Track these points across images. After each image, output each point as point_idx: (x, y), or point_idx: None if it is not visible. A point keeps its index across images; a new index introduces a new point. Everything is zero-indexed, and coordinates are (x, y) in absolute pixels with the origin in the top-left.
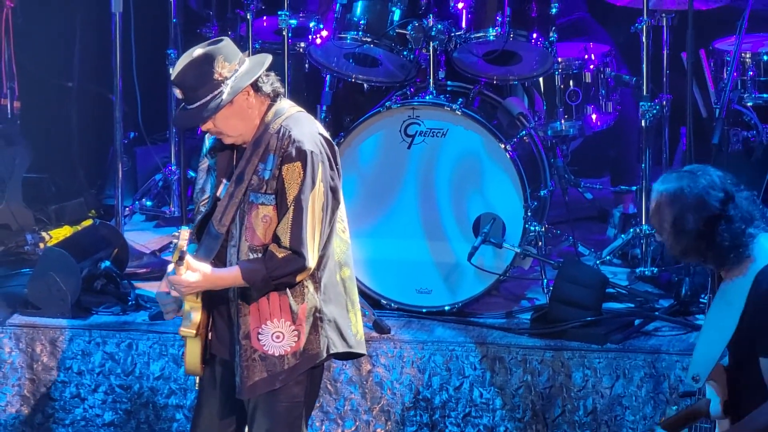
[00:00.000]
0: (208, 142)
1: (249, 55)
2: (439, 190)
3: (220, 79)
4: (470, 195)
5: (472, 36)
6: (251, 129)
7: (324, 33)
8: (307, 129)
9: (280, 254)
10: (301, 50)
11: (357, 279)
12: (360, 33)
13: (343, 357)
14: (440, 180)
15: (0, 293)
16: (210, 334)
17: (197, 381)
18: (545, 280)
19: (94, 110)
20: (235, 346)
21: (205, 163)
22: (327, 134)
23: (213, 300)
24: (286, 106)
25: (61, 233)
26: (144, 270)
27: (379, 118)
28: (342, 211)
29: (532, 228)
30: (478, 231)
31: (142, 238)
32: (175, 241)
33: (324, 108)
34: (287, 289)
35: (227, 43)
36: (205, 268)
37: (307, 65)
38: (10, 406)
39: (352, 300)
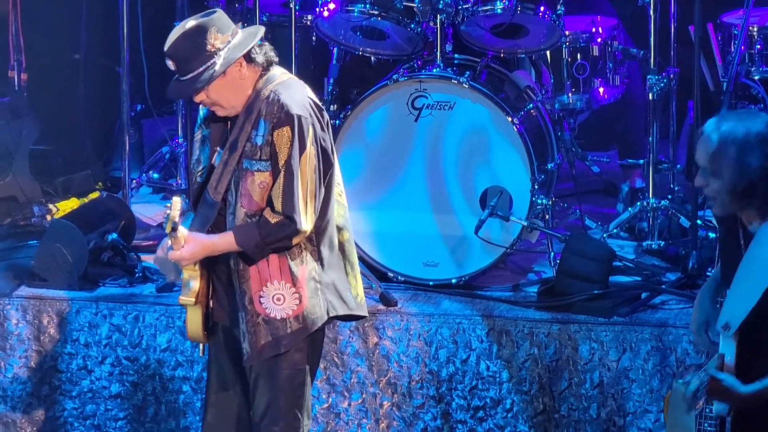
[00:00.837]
0: (201, 112)
1: (244, 27)
2: (446, 163)
3: (212, 50)
4: (477, 168)
5: (480, 9)
6: (244, 100)
7: (331, 6)
8: (296, 94)
9: (273, 219)
10: (308, 23)
11: (364, 252)
12: (367, 6)
13: (344, 319)
14: (447, 153)
15: (7, 265)
16: (211, 302)
17: (201, 348)
18: (552, 254)
19: (101, 82)
20: (240, 313)
21: (199, 134)
22: (316, 98)
23: (212, 268)
24: (278, 72)
25: (68, 205)
26: (151, 242)
27: (386, 91)
28: (338, 175)
29: (539, 201)
30: (485, 204)
31: (149, 211)
32: (168, 211)
33: (331, 81)
34: (286, 252)
35: (220, 15)
36: (199, 236)
37: (314, 38)
38: (17, 377)
39: (351, 263)
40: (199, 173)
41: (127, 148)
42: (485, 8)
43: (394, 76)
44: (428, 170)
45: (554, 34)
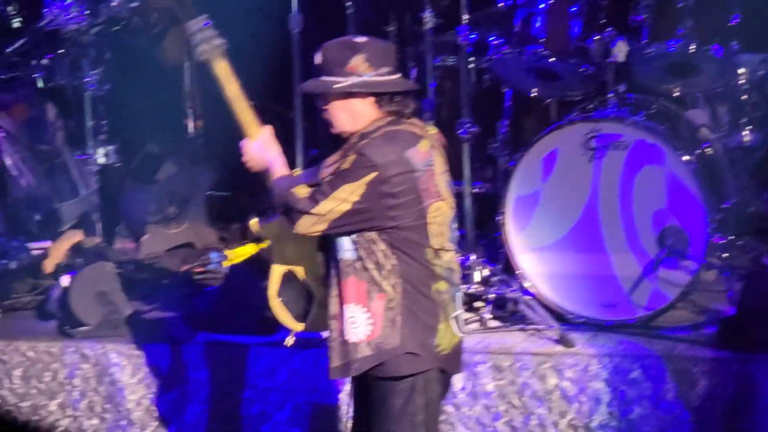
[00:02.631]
0: None
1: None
2: (622, 203)
3: (349, 70)
4: (653, 208)
5: (653, 48)
6: (354, 131)
7: (504, 48)
8: (388, 144)
9: (302, 191)
10: (481, 65)
11: (541, 293)
12: (540, 47)
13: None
14: (623, 193)
15: (186, 312)
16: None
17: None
18: (731, 292)
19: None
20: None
21: None
22: (419, 157)
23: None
24: (394, 121)
25: (244, 251)
26: None
27: (561, 132)
28: (440, 224)
29: (717, 240)
30: (663, 243)
31: None
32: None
33: (505, 123)
34: (366, 276)
35: (386, 49)
36: (273, 147)
37: (487, 80)
38: (199, 422)
39: (446, 313)
40: None
41: None
42: (658, 47)
43: (568, 117)
44: (604, 210)
45: (728, 72)
